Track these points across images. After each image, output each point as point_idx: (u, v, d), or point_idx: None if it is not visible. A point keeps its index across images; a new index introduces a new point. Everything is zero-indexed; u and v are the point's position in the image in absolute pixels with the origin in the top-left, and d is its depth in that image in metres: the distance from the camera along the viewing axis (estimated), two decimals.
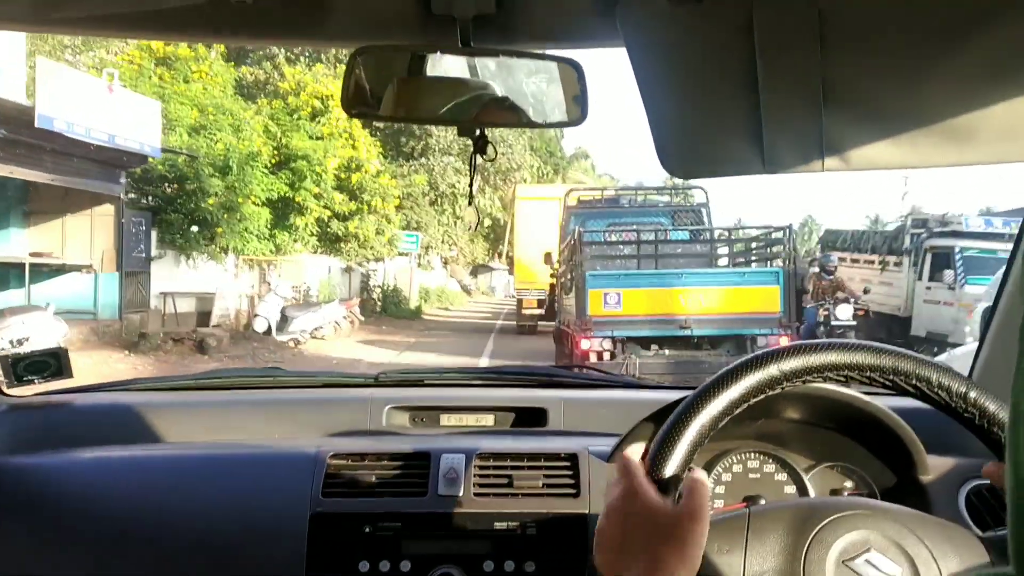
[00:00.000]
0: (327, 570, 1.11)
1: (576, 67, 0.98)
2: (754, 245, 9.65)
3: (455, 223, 28.38)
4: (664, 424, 0.73)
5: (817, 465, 1.14)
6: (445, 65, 1.01)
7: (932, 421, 0.91)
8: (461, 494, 1.15)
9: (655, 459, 0.71)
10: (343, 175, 17.41)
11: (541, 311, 16.07)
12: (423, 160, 25.77)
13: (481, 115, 1.00)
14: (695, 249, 9.70)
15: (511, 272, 24.61)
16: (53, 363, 1.43)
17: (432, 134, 25.33)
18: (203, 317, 15.14)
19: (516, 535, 1.12)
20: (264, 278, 17.02)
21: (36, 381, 1.41)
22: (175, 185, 14.54)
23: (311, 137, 16.88)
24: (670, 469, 0.70)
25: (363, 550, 1.11)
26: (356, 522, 1.12)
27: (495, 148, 1.08)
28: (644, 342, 8.00)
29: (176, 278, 14.74)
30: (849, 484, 1.12)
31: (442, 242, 28.86)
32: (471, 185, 1.19)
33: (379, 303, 23.33)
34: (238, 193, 14.49)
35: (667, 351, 7.96)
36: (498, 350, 14.48)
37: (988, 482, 1.02)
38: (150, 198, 14.58)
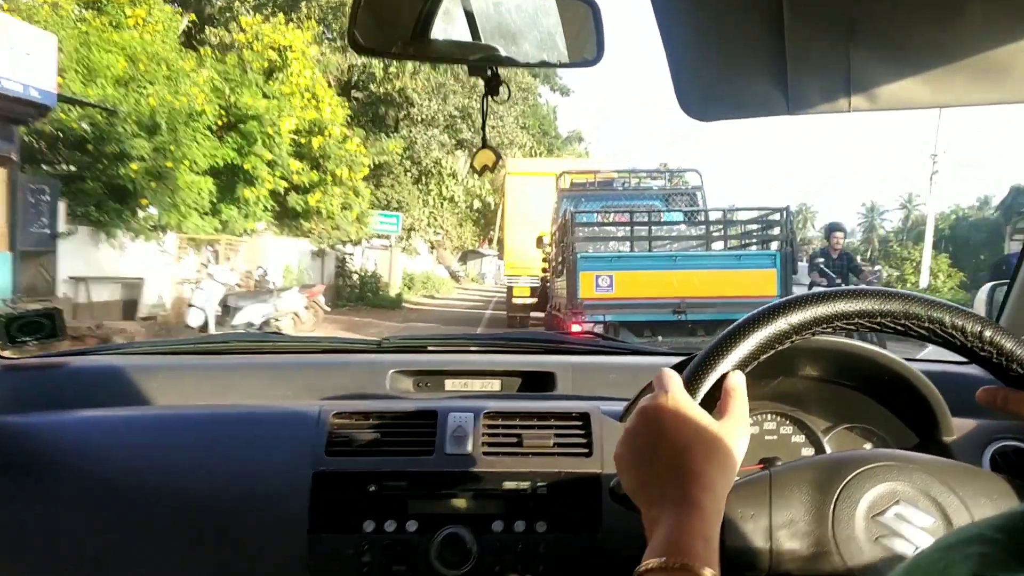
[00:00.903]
0: (330, 530, 1.06)
1: (592, 4, 0.97)
2: (751, 227, 9.21)
3: (442, 204, 26.10)
4: (704, 348, 0.73)
5: (836, 426, 1.10)
6: (456, 1, 0.98)
7: (955, 383, 0.97)
8: (469, 452, 1.11)
9: (694, 374, 0.71)
10: (302, 139, 14.78)
11: (534, 300, 14.34)
12: (404, 132, 23.22)
13: (493, 54, 0.99)
14: (690, 231, 9.39)
15: (500, 257, 23.00)
16: (47, 324, 1.40)
17: (414, 103, 22.81)
18: (130, 308, 12.69)
19: (526, 494, 1.08)
20: (215, 261, 14.61)
21: (30, 342, 1.38)
22: (90, 146, 11.86)
23: (266, 96, 14.30)
24: (708, 385, 0.70)
25: (368, 509, 1.07)
26: (360, 481, 1.08)
27: (508, 88, 1.04)
28: (637, 327, 7.72)
29: (94, 260, 12.15)
30: (868, 446, 1.08)
31: (427, 225, 26.52)
32: (483, 127, 1.11)
33: (357, 290, 21.44)
34: (169, 157, 11.91)
35: (661, 337, 7.66)
36: None
37: (1014, 443, 0.99)
38: (61, 163, 11.98)
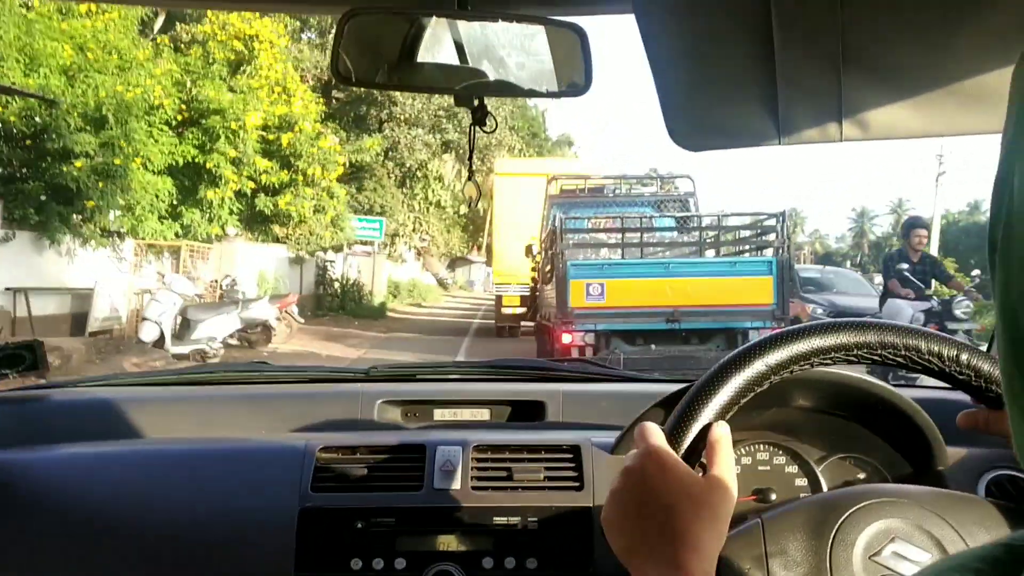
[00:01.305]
0: (317, 568, 1.04)
1: (580, 32, 0.96)
2: (745, 233, 9.02)
3: (427, 209, 25.00)
4: (684, 397, 0.72)
5: (829, 456, 1.10)
6: (442, 30, 0.98)
7: (948, 410, 0.92)
8: (458, 487, 1.09)
9: (676, 427, 0.70)
10: (271, 136, 13.55)
11: (524, 309, 13.68)
12: (386, 132, 22.07)
13: (480, 84, 0.99)
14: (683, 238, 9.24)
15: (489, 264, 22.05)
16: (28, 356, 1.38)
17: (397, 102, 21.67)
18: (79, 321, 11.48)
19: (517, 530, 1.06)
20: (177, 269, 13.43)
21: (11, 375, 1.36)
22: (30, 142, 10.64)
23: (232, 90, 13.10)
24: (691, 438, 0.69)
25: (355, 546, 1.05)
26: (348, 517, 1.06)
27: (495, 119, 1.05)
28: (629, 336, 7.64)
29: (36, 269, 10.87)
30: (862, 476, 1.08)
31: (412, 231, 25.43)
32: (470, 159, 1.16)
33: (338, 299, 20.53)
34: (118, 154, 10.69)
35: (654, 345, 7.57)
36: (473, 359, 11.32)
37: (1009, 472, 1.00)
38: None
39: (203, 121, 12.35)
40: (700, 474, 0.66)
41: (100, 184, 10.64)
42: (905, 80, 0.73)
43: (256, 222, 14.19)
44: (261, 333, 12.26)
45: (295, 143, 13.52)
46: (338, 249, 20.23)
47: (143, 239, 12.25)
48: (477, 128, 0.98)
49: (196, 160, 12.29)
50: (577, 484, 1.09)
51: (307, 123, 13.54)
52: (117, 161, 10.61)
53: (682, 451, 0.68)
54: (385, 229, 22.15)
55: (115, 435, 1.30)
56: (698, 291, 7.45)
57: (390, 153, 21.83)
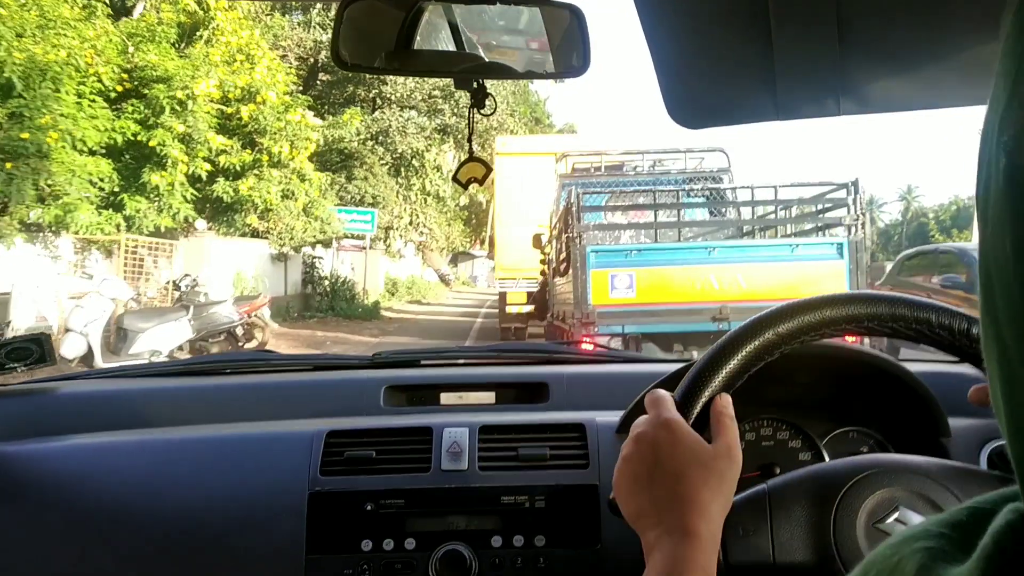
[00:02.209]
0: (328, 550, 1.06)
1: (577, 13, 0.97)
2: (810, 207, 7.10)
3: (424, 200, 23.02)
4: (694, 366, 0.74)
5: (833, 430, 1.11)
6: (440, 13, 0.98)
7: (950, 383, 0.99)
8: (465, 468, 1.11)
9: (686, 395, 0.72)
10: (230, 110, 11.49)
11: (531, 307, 11.89)
12: (376, 115, 20.08)
13: (479, 66, 1.00)
14: (728, 216, 7.76)
15: (490, 257, 20.31)
16: (36, 349, 1.38)
17: (386, 81, 19.67)
18: None
19: (524, 508, 1.08)
20: (133, 268, 11.51)
21: (19, 369, 1.36)
22: None
23: (184, 57, 11.06)
24: (701, 406, 0.71)
25: (365, 528, 1.06)
26: (357, 500, 1.08)
27: (495, 101, 1.05)
28: (665, 340, 6.24)
29: None
30: (865, 449, 1.10)
31: (409, 224, 23.44)
32: (469, 141, 1.13)
33: (327, 299, 18.88)
34: (28, 127, 8.67)
35: (696, 352, 5.73)
36: None
37: None
38: None
39: (146, 91, 10.33)
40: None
41: (7, 165, 8.64)
42: (903, 53, 0.71)
43: (218, 212, 12.09)
44: (224, 342, 10.36)
45: (258, 116, 11.40)
46: (327, 244, 18.51)
47: (76, 234, 10.26)
48: (477, 112, 0.98)
49: (139, 138, 10.27)
50: (583, 462, 1.11)
51: (271, 93, 11.35)
52: (24, 135, 8.56)
53: (692, 419, 0.70)
54: (378, 222, 20.32)
55: (123, 426, 1.29)
56: (751, 282, 6.18)
57: (380, 138, 19.82)
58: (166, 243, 12.01)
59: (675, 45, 0.78)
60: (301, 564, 1.03)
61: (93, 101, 9.65)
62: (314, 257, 19.51)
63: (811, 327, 0.72)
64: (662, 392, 0.71)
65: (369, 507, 1.06)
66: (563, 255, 7.21)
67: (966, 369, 1.24)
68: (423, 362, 1.62)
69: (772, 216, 7.46)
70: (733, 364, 0.71)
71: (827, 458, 1.07)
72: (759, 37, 0.70)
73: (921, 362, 1.34)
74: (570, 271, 6.64)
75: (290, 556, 1.03)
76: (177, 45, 11.45)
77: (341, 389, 1.43)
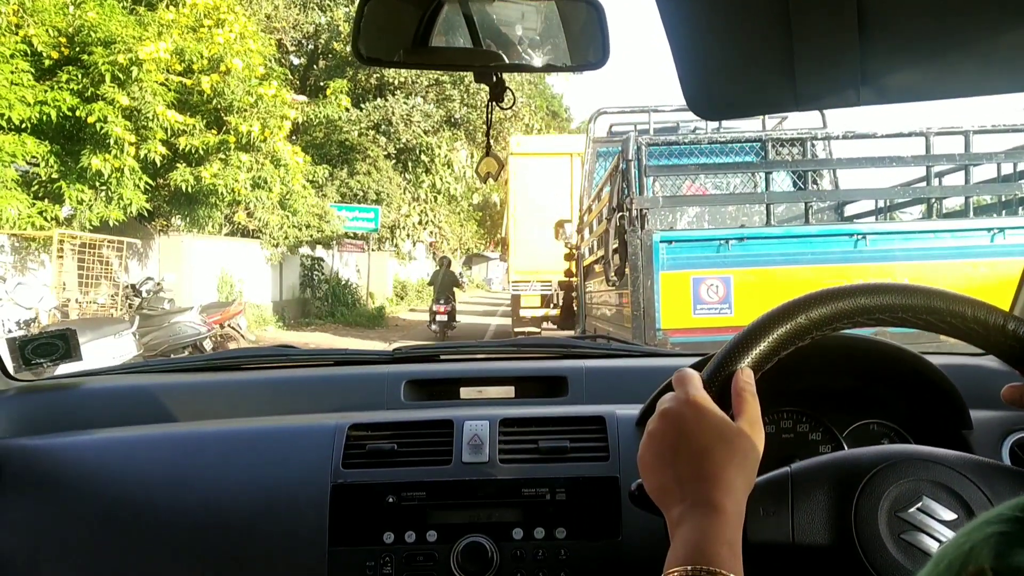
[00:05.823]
0: (350, 542, 1.07)
1: (596, 6, 0.97)
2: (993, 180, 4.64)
3: (434, 198, 21.30)
4: (724, 346, 0.73)
5: (853, 423, 1.10)
6: (458, 8, 0.98)
7: (972, 376, 0.99)
8: (486, 460, 1.13)
9: (713, 374, 0.71)
10: (189, 81, 9.73)
11: (550, 311, 10.87)
12: (378, 102, 18.39)
13: (498, 60, 0.99)
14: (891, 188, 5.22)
15: (503, 259, 18.75)
16: (62, 345, 1.39)
17: None
18: None
19: (545, 501, 1.09)
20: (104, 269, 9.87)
21: (45, 364, 1.38)
22: None
23: (141, 25, 9.32)
24: (725, 387, 0.71)
25: (387, 521, 1.08)
26: (379, 492, 1.09)
27: (513, 95, 1.05)
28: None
29: None
30: (885, 441, 1.09)
31: (418, 223, 21.72)
32: (487, 135, 1.14)
33: (327, 304, 17.77)
34: None
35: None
36: None
37: None
38: None
39: (84, 57, 8.62)
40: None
41: None
42: (923, 42, 0.70)
43: (180, 204, 10.33)
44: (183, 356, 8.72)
45: (223, 90, 9.60)
46: (327, 244, 16.92)
47: (11, 230, 8.58)
48: (496, 105, 0.98)
49: (78, 113, 8.56)
50: (603, 455, 1.11)
51: (238, 61, 9.51)
52: None
53: (717, 397, 0.70)
54: (382, 220, 18.68)
55: (148, 420, 1.30)
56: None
57: (382, 127, 18.13)
58: (121, 241, 10.35)
59: (694, 35, 0.76)
60: (324, 556, 1.05)
61: (16, 68, 7.94)
62: (314, 258, 18.16)
63: (844, 314, 0.72)
64: (689, 370, 0.71)
65: (391, 499, 1.07)
66: (614, 247, 4.67)
67: (989, 362, 1.27)
68: (443, 357, 1.63)
69: (979, 185, 4.72)
70: (763, 346, 0.71)
71: (847, 449, 1.05)
72: (778, 26, 0.70)
73: (941, 354, 1.30)
74: (612, 268, 4.58)
75: (313, 548, 1.05)
76: (132, 8, 9.75)
77: (362, 384, 1.45)
